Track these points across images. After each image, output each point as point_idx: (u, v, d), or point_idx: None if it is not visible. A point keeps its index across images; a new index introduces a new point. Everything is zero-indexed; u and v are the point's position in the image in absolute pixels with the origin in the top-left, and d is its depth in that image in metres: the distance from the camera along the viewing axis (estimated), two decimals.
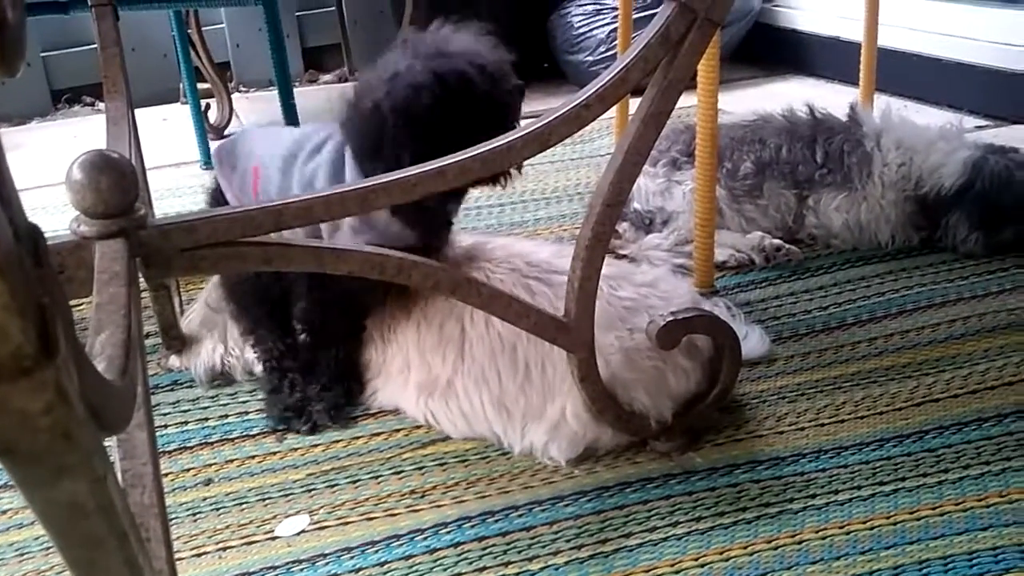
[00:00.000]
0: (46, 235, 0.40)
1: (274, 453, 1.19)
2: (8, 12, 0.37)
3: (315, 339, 1.26)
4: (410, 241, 1.14)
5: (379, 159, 1.10)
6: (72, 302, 0.66)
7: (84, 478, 0.33)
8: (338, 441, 1.20)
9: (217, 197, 1.29)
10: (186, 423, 1.26)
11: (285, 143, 1.23)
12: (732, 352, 1.12)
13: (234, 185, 1.24)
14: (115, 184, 0.78)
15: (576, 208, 1.93)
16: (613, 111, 2.04)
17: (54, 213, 1.97)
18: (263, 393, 1.29)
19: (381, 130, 1.09)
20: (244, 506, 1.09)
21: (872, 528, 0.99)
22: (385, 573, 0.98)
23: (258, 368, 1.31)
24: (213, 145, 2.40)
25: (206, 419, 1.27)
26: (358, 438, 1.21)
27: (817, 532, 0.99)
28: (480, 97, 1.09)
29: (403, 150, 1.06)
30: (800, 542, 0.98)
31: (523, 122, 1.04)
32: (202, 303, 1.39)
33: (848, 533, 0.98)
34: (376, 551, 1.00)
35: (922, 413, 1.18)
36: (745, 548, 0.97)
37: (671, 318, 1.07)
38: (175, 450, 1.20)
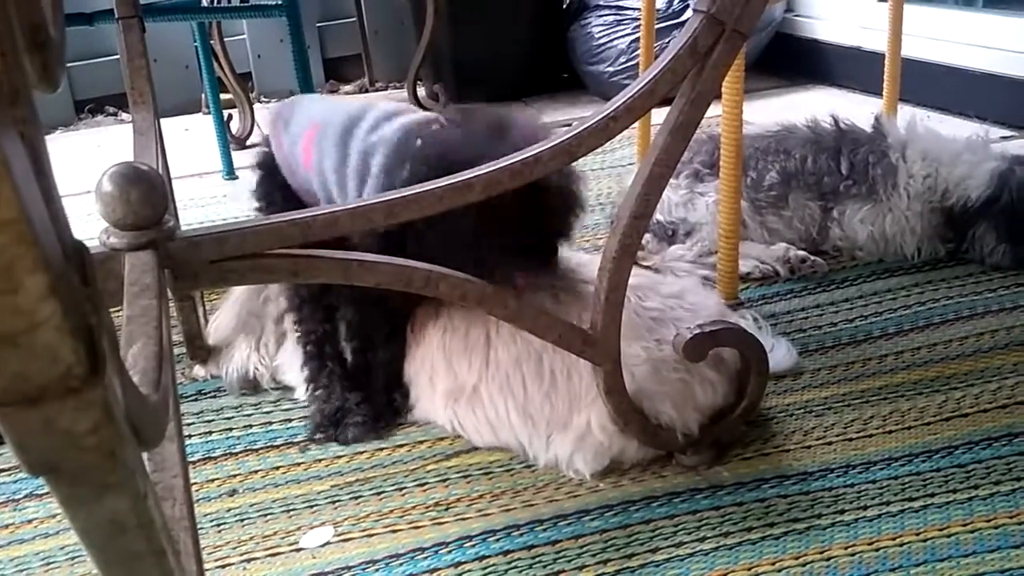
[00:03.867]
0: None
1: (298, 464, 1.18)
2: (51, 30, 0.37)
3: (360, 343, 1.25)
4: None
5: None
6: None
7: (127, 496, 0.33)
8: (362, 452, 1.20)
9: (264, 163, 1.26)
10: (210, 433, 1.26)
11: (348, 109, 1.20)
12: (760, 365, 1.11)
13: (284, 146, 1.21)
14: (145, 196, 0.78)
15: (598, 219, 1.92)
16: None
17: (77, 222, 1.98)
18: (304, 387, 1.27)
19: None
20: (268, 517, 1.09)
21: (902, 545, 0.98)
22: None
23: (291, 374, 1.31)
24: (236, 156, 2.42)
25: (230, 429, 1.27)
26: (382, 449, 1.20)
27: (846, 549, 0.98)
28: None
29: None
30: (829, 558, 0.96)
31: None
32: (228, 311, 1.40)
33: (877, 550, 0.97)
34: (401, 564, 1.00)
35: (951, 428, 1.17)
36: (773, 564, 0.96)
37: (698, 330, 1.06)
38: (199, 460, 1.21)
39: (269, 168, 1.26)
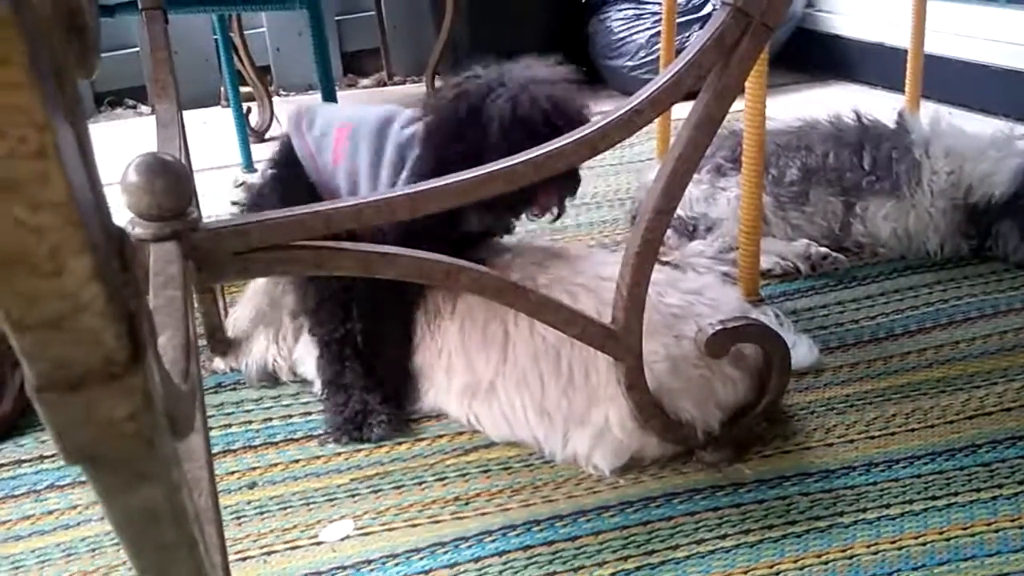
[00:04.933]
0: None
1: (318, 457, 1.18)
2: (87, 17, 0.37)
3: (369, 337, 1.24)
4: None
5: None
6: None
7: (162, 485, 0.33)
8: (381, 447, 1.20)
9: (282, 160, 1.27)
10: (230, 426, 1.27)
11: (378, 111, 1.25)
12: (782, 362, 1.10)
13: (309, 143, 1.23)
14: (170, 187, 0.78)
15: (617, 214, 1.91)
16: None
17: None
18: (320, 389, 1.27)
19: (481, 135, 1.10)
20: (288, 510, 1.09)
21: (925, 544, 0.97)
22: None
23: (309, 367, 1.31)
24: (255, 149, 2.42)
25: (250, 422, 1.27)
26: (401, 443, 1.20)
27: (869, 547, 0.97)
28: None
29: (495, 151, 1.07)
30: (851, 557, 0.96)
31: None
32: (247, 304, 1.40)
33: (900, 548, 0.97)
34: (421, 558, 1.00)
35: (974, 426, 1.16)
36: (795, 562, 0.95)
37: (720, 327, 1.05)
38: (219, 453, 1.21)
39: (291, 163, 1.27)
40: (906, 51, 1.96)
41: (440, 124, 1.16)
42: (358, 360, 1.24)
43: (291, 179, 1.26)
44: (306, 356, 1.33)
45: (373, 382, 1.24)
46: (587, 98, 1.20)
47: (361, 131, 1.21)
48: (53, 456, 1.22)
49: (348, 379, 1.23)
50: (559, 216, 1.21)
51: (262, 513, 1.09)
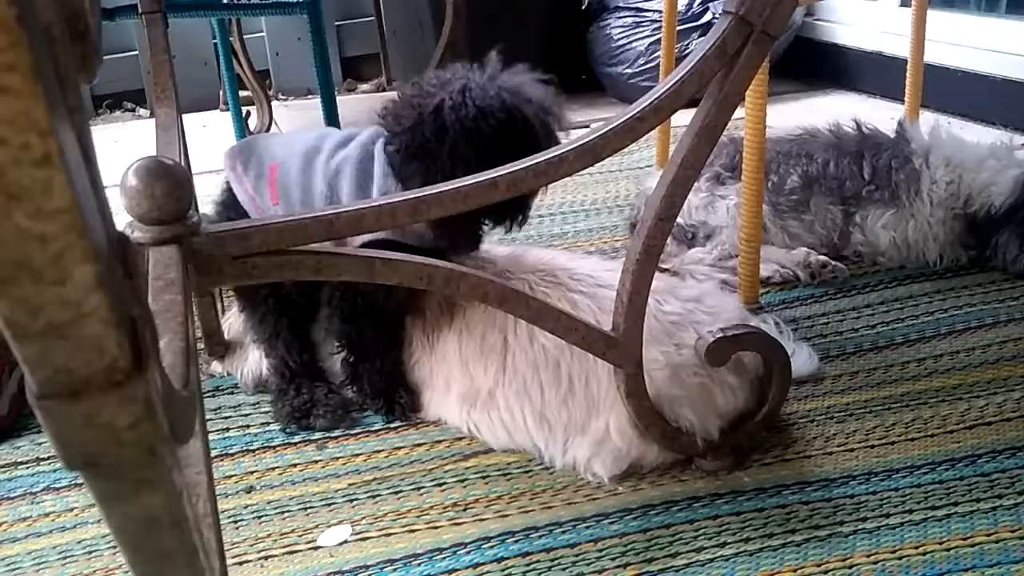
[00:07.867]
0: None
1: (316, 462, 1.18)
2: (90, 20, 0.37)
3: (354, 354, 1.25)
4: (431, 243, 1.15)
5: (422, 161, 1.12)
6: None
7: (163, 492, 0.33)
8: (380, 451, 1.19)
9: (226, 202, 1.25)
10: (228, 430, 1.26)
11: (305, 141, 1.22)
12: (782, 370, 1.10)
13: (246, 184, 1.21)
14: (170, 191, 0.78)
15: (616, 221, 1.91)
16: None
17: None
18: (271, 397, 1.29)
19: (439, 136, 1.10)
20: (286, 515, 1.09)
21: (925, 554, 0.97)
22: None
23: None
24: None
25: (248, 426, 1.27)
26: (399, 448, 1.20)
27: (868, 556, 0.97)
28: (533, 143, 1.11)
29: (460, 164, 1.09)
30: (851, 567, 0.95)
31: (572, 132, 1.04)
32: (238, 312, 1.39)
33: (900, 558, 0.96)
34: (419, 564, 0.99)
35: (974, 436, 1.15)
36: (795, 571, 0.95)
37: (721, 335, 1.05)
38: (216, 457, 1.20)
39: (233, 207, 1.24)
40: (905, 60, 1.96)
41: (412, 143, 1.14)
42: (309, 369, 1.28)
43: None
44: None
45: (319, 376, 1.28)
46: (562, 104, 1.20)
47: (287, 170, 1.18)
48: (49, 458, 1.21)
49: (293, 389, 1.27)
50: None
51: (260, 517, 1.09)
